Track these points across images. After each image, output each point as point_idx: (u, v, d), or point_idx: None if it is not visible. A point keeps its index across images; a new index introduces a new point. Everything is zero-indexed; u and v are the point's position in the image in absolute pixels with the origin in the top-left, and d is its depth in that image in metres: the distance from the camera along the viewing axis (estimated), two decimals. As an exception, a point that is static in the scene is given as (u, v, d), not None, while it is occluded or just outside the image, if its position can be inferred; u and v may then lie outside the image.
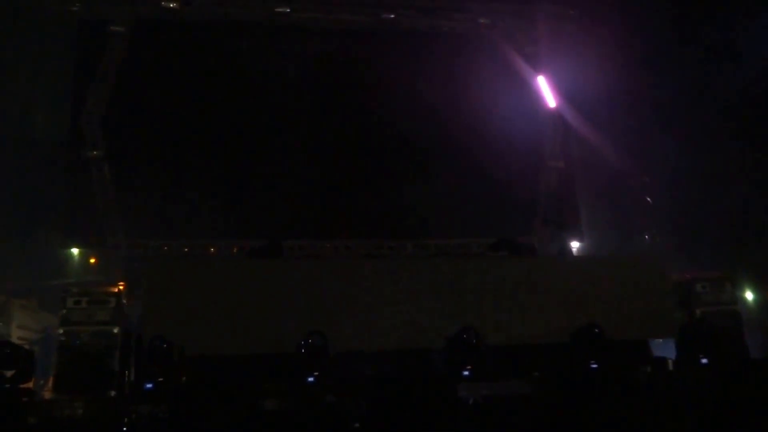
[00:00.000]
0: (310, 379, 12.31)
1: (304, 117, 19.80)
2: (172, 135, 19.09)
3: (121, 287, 13.41)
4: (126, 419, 11.10)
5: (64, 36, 19.45)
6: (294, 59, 20.28)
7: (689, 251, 17.60)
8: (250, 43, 20.24)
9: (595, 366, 12.90)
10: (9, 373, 11.26)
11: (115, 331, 12.64)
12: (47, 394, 12.52)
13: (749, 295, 17.66)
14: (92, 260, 19.12)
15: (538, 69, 20.60)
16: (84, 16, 19.61)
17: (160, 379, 11.89)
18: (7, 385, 11.20)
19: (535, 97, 20.53)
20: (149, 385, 11.87)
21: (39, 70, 19.13)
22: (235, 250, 19.01)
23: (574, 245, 20.14)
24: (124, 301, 13.14)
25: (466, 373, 12.68)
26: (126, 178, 18.42)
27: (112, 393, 12.18)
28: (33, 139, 18.76)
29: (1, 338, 16.18)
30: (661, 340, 14.77)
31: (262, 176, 19.34)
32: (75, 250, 19.01)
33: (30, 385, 12.22)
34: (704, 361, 13.14)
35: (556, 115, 20.36)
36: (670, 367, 13.66)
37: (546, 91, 20.42)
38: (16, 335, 17.09)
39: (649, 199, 19.91)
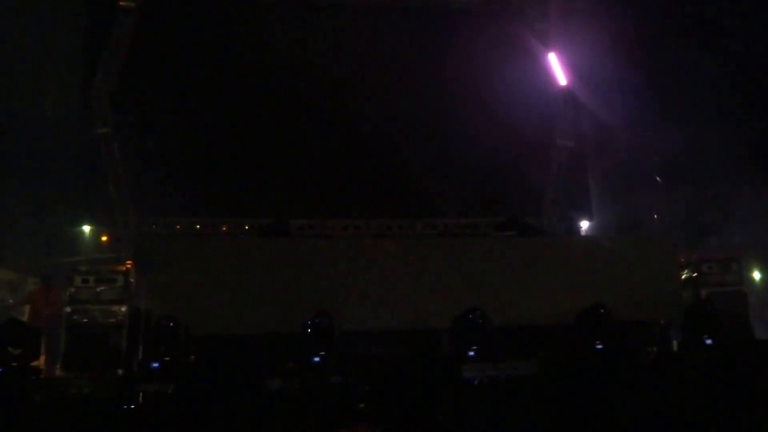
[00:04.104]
0: (316, 359, 12.38)
1: (314, 94, 19.73)
2: (182, 112, 19.06)
3: (128, 266, 13.50)
4: (133, 397, 11.23)
5: (74, 11, 19.42)
6: (306, 36, 20.18)
7: (697, 231, 17.61)
8: (262, 19, 20.13)
9: (600, 347, 12.93)
10: (16, 352, 11.41)
11: (123, 309, 12.73)
12: (59, 372, 12.65)
13: (756, 276, 17.65)
14: (104, 238, 19.18)
15: (549, 46, 20.45)
16: (94, -9, 19.58)
17: (167, 359, 12.00)
18: (15, 364, 11.33)
19: (546, 75, 20.39)
20: (156, 364, 11.98)
21: (49, 47, 19.15)
22: (246, 228, 18.99)
23: (584, 224, 20.12)
24: (132, 280, 13.22)
25: (471, 353, 12.73)
26: (136, 156, 18.40)
27: (120, 371, 12.28)
28: (44, 117, 18.80)
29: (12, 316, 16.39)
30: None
31: (272, 154, 19.31)
32: (86, 228, 19.09)
33: (41, 362, 12.38)
34: (709, 341, 13.16)
35: (566, 93, 20.22)
36: (675, 348, 13.71)
37: (557, 68, 20.29)
38: (28, 311, 17.24)
39: (658, 178, 19.86)
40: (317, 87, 19.57)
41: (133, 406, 11.02)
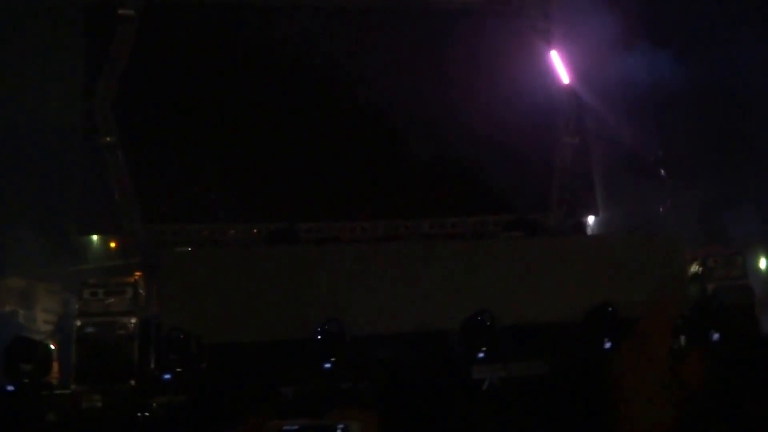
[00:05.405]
0: (327, 365, 12.46)
1: (317, 97, 19.73)
2: (186, 118, 19.07)
3: (137, 276, 13.57)
4: (147, 408, 11.33)
5: (74, 21, 19.43)
6: (307, 40, 20.15)
7: (702, 225, 17.63)
8: (264, 23, 20.11)
9: (609, 345, 12.99)
10: (28, 368, 11.51)
11: (133, 321, 12.79)
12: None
13: (762, 265, 17.63)
14: (112, 244, 19.25)
15: (551, 44, 20.45)
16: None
17: (179, 369, 12.09)
18: (26, 380, 11.43)
19: (549, 73, 20.40)
20: (168, 376, 12.07)
21: (50, 57, 19.16)
22: (255, 231, 19.04)
23: (590, 219, 20.15)
24: (141, 291, 13.28)
25: (481, 355, 12.80)
26: (141, 164, 18.45)
27: (132, 383, 12.35)
28: (48, 127, 18.80)
29: (24, 326, 16.54)
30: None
31: (277, 158, 19.32)
32: (95, 237, 19.15)
33: (56, 375, 12.47)
34: (716, 336, 13.21)
35: (570, 91, 20.23)
36: (682, 343, 13.73)
37: (560, 66, 20.30)
38: (41, 318, 17.35)
39: (663, 172, 19.82)
40: (320, 89, 19.58)
41: (147, 415, 11.13)
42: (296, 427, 2.05)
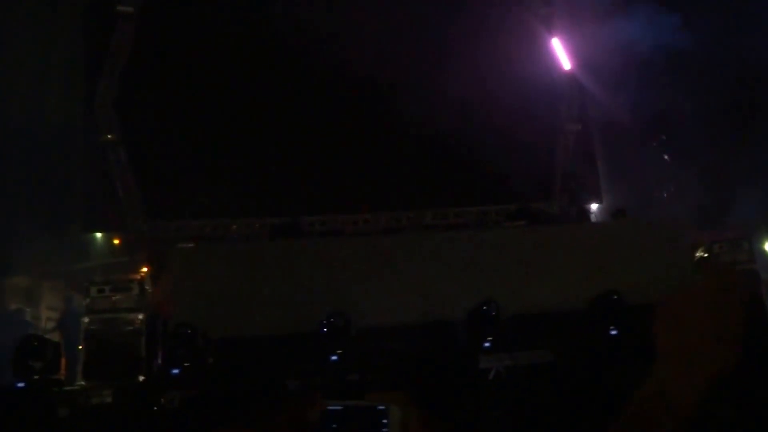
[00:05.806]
0: (334, 357, 12.49)
1: (320, 91, 19.68)
2: (187, 114, 19.02)
3: (143, 273, 13.61)
4: (155, 404, 11.38)
5: (74, 19, 19.41)
6: (309, 36, 20.07)
7: (707, 210, 17.63)
8: (265, 19, 20.05)
9: (614, 332, 13.00)
10: (38, 365, 11.58)
11: (140, 317, 12.83)
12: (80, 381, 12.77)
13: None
14: (116, 241, 19.28)
15: (552, 31, 20.43)
16: (92, -3, 19.54)
17: (186, 364, 12.12)
18: (36, 377, 11.50)
19: (551, 61, 20.39)
20: (176, 371, 12.10)
21: (51, 55, 19.18)
22: (257, 226, 19.03)
23: (594, 207, 20.14)
24: (147, 287, 13.32)
25: (487, 344, 12.82)
26: (143, 160, 18.45)
27: (141, 378, 12.40)
28: (50, 125, 18.82)
29: (30, 323, 16.61)
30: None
31: (279, 152, 19.29)
32: (98, 234, 19.19)
33: (63, 372, 12.52)
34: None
35: (571, 78, 20.22)
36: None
37: (561, 53, 20.28)
38: (45, 316, 17.44)
39: (666, 157, 19.85)
40: (321, 83, 19.55)
41: (155, 410, 11.18)
42: (340, 407, 2.15)
